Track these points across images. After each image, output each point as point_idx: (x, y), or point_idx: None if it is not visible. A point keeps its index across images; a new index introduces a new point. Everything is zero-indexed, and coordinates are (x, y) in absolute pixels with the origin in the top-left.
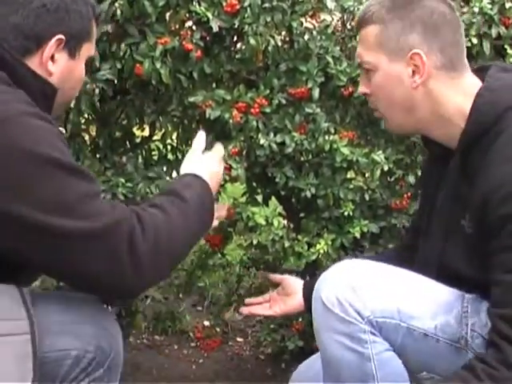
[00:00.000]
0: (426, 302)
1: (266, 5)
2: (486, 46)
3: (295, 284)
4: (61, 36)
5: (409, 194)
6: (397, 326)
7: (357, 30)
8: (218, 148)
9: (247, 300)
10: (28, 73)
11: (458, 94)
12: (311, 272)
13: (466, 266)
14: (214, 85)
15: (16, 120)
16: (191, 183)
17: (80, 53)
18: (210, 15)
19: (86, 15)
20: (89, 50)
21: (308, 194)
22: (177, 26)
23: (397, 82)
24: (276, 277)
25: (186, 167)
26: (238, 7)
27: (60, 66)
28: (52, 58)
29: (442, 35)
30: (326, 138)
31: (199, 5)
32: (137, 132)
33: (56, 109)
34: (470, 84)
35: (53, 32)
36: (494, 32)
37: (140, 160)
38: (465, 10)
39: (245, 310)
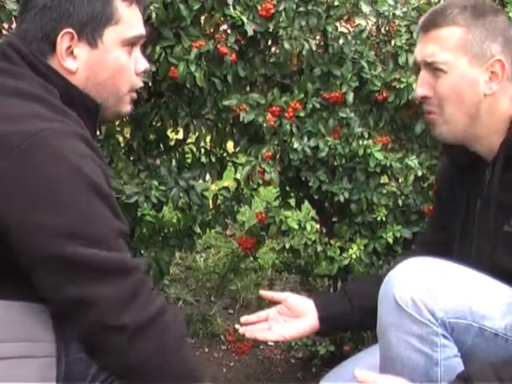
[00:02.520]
0: (495, 302)
1: (301, 9)
2: None
3: (303, 304)
4: (68, 29)
5: None
6: (468, 327)
7: (424, 30)
8: None
9: (243, 319)
10: (73, 90)
11: (510, 103)
12: (343, 277)
13: None
14: (248, 88)
15: (67, 138)
16: None
17: (103, 39)
18: (244, 19)
19: None
20: (119, 33)
21: (341, 198)
22: (212, 30)
23: (472, 86)
24: (274, 295)
25: None
26: (272, 11)
27: (83, 61)
28: (72, 54)
29: None
30: (360, 142)
31: (234, 8)
32: (171, 135)
33: (108, 108)
34: None
35: (59, 27)
36: None
37: (174, 163)
38: None
39: (248, 334)
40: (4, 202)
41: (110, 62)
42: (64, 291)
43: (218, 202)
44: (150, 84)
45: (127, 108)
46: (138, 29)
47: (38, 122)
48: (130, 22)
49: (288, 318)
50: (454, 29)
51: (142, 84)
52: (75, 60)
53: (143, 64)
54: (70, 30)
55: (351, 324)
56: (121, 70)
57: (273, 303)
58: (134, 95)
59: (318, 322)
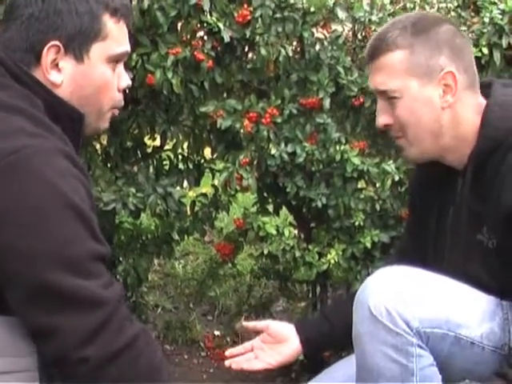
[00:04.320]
0: (471, 310)
1: (277, 15)
2: (497, 56)
3: (284, 329)
4: (55, 42)
5: None
6: (444, 336)
7: (370, 59)
8: None
9: (229, 351)
10: (57, 102)
11: (474, 112)
12: (322, 282)
13: (488, 277)
14: (225, 95)
15: (49, 155)
16: None
17: (89, 54)
18: (221, 25)
19: (89, 12)
20: (105, 49)
21: (319, 203)
22: (188, 37)
23: (428, 104)
24: (257, 325)
25: None
26: (249, 18)
27: (68, 74)
28: (57, 66)
29: (464, 56)
30: (337, 148)
31: (210, 15)
32: (148, 142)
33: (89, 123)
34: (480, 101)
35: (46, 39)
36: (504, 42)
37: (151, 170)
38: (475, 20)
39: (234, 365)
40: None
41: (96, 77)
42: (30, 316)
43: (196, 208)
44: (127, 91)
45: (106, 124)
46: (125, 46)
47: (20, 138)
48: (117, 38)
49: (272, 345)
50: (396, 53)
51: (123, 102)
52: (60, 73)
53: (126, 80)
54: (57, 42)
55: (333, 343)
56: (105, 86)
57: (256, 333)
58: (116, 112)
59: (300, 346)
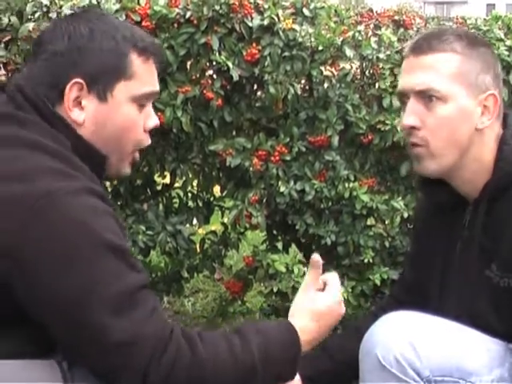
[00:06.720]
0: (481, 357)
1: (286, 54)
2: (504, 92)
3: None
4: (78, 79)
5: None
6: None
7: (416, 54)
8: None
9: None
10: (80, 142)
11: (496, 142)
12: None
13: (496, 316)
14: (234, 133)
15: (78, 196)
16: (268, 331)
17: (113, 93)
18: (230, 64)
19: (115, 51)
20: (130, 89)
21: (328, 241)
22: (197, 75)
23: (467, 118)
24: None
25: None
26: (257, 56)
27: (90, 113)
28: (80, 104)
29: (501, 86)
30: (346, 185)
31: (220, 54)
32: (158, 179)
33: (111, 165)
34: (500, 132)
35: (69, 76)
36: (511, 78)
37: (161, 207)
38: None
39: None
40: (17, 263)
41: (119, 117)
42: (86, 361)
43: (206, 246)
44: None
45: (127, 169)
46: (151, 85)
47: (50, 180)
48: (144, 77)
49: None
50: (450, 55)
51: (149, 142)
52: (82, 111)
53: (154, 120)
54: (80, 80)
55: (336, 381)
56: (129, 126)
57: None
58: (137, 156)
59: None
